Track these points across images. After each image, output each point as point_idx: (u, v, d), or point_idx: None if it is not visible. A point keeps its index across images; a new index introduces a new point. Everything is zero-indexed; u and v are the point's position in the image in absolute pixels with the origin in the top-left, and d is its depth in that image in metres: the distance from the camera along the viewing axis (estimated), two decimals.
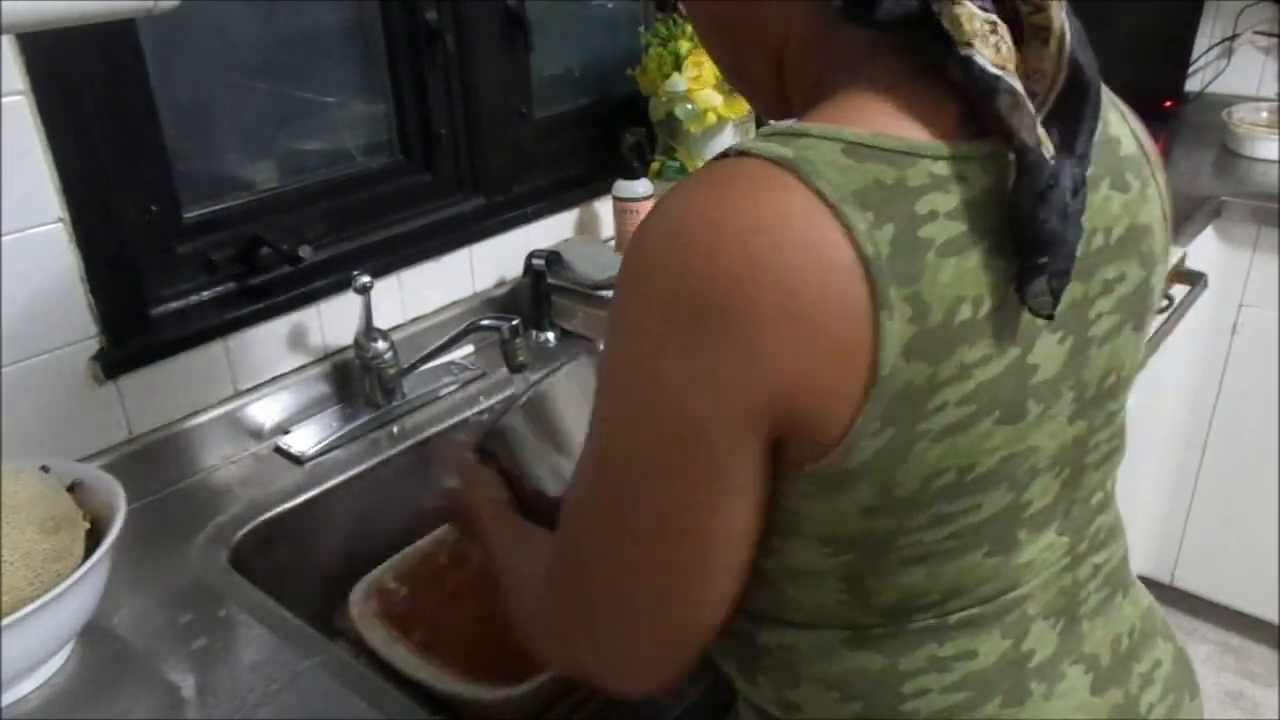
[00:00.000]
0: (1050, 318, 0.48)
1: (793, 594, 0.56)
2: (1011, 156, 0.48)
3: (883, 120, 0.48)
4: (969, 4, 0.47)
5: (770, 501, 0.52)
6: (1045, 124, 0.48)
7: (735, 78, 0.64)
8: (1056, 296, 0.48)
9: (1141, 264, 0.56)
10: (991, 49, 0.47)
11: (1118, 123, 0.57)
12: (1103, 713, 0.60)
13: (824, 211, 0.45)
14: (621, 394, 0.50)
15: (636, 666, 0.57)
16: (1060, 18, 0.48)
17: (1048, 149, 0.47)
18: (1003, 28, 0.48)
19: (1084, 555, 0.61)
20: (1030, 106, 0.47)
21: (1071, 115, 0.49)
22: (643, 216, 1.59)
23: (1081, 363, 0.54)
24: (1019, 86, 0.47)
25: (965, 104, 0.48)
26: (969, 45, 0.47)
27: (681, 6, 0.67)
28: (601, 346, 0.53)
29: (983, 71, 0.46)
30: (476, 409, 1.19)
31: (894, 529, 0.51)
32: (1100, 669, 0.61)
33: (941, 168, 0.47)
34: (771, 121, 0.58)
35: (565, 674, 0.65)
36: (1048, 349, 0.52)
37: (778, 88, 0.58)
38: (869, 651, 0.56)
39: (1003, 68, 0.47)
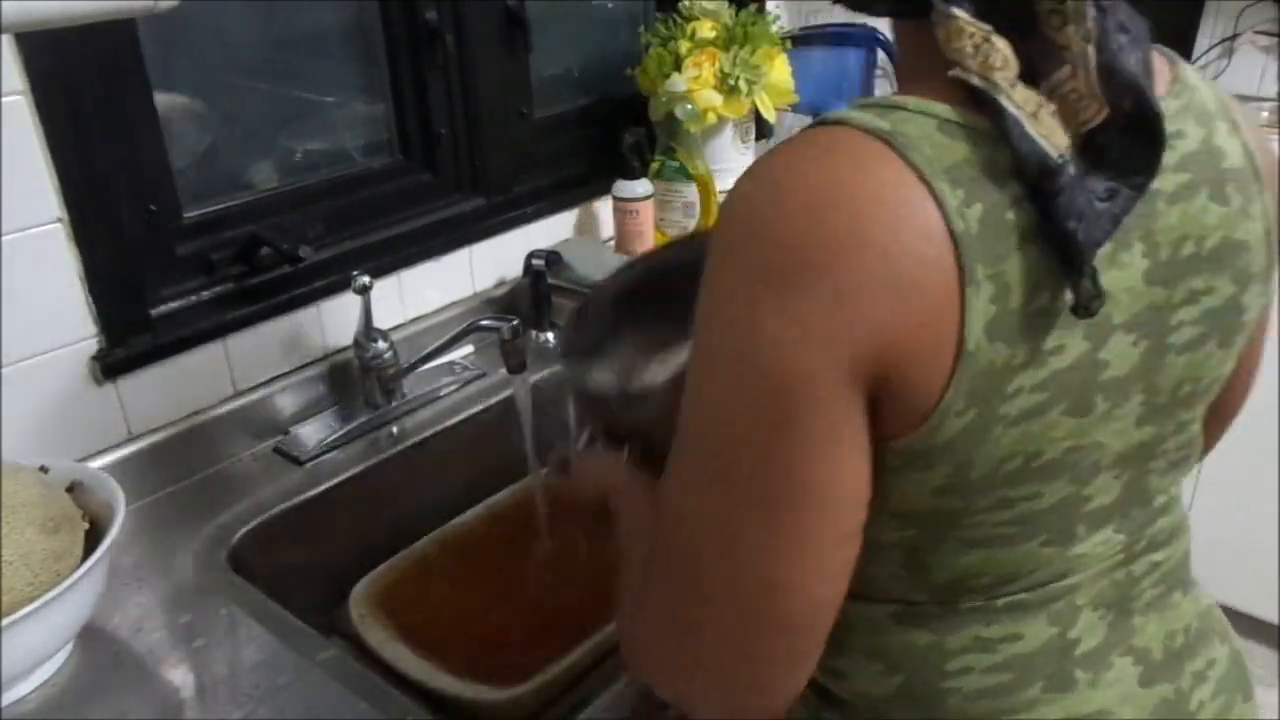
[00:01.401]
0: (1083, 315, 0.48)
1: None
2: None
3: (961, 103, 0.49)
4: (961, 15, 0.48)
5: None
6: (1097, 132, 0.48)
7: None
8: (1079, 295, 0.47)
9: (1234, 280, 0.56)
10: (978, 62, 0.48)
11: (1227, 134, 0.56)
12: (1149, 705, 0.61)
13: (918, 185, 0.46)
14: (721, 359, 0.49)
15: (752, 670, 0.52)
16: (1080, 45, 0.47)
17: (1053, 149, 0.47)
18: (998, 40, 0.48)
19: (1141, 553, 0.61)
20: (1018, 116, 0.47)
21: (1126, 134, 0.48)
22: (642, 217, 1.58)
23: (1155, 367, 0.54)
24: (1004, 101, 0.47)
25: None
26: (954, 64, 0.48)
27: None
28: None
29: (970, 85, 0.48)
30: (476, 409, 1.19)
31: (960, 509, 0.53)
32: (1151, 663, 0.62)
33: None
34: None
35: (671, 700, 0.57)
36: (1120, 348, 0.52)
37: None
38: (916, 628, 0.58)
39: (987, 77, 0.47)
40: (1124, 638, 0.61)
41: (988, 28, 0.48)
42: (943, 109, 0.48)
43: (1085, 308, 0.48)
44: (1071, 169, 0.47)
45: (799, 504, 0.48)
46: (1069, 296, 0.48)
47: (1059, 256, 0.48)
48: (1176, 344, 0.55)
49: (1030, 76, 0.48)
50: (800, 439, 0.47)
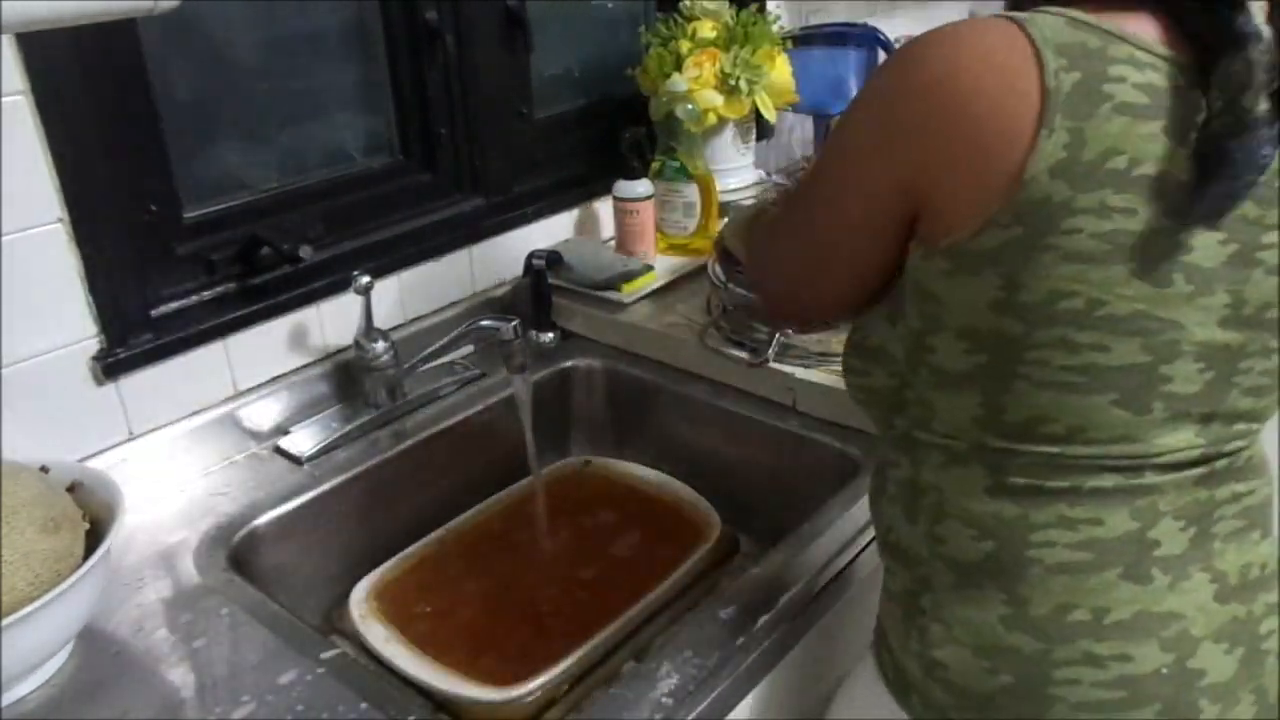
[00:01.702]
0: (1188, 219, 0.55)
1: (942, 405, 0.65)
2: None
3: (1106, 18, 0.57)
4: None
5: (916, 293, 0.63)
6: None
7: None
8: (1218, 212, 0.55)
9: None
10: (1263, 12, 0.54)
11: None
12: (1220, 620, 0.65)
13: (1028, 51, 0.55)
14: (834, 139, 0.67)
15: (778, 289, 0.79)
16: None
17: (1261, 107, 0.53)
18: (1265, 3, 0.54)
19: (1223, 475, 0.66)
20: (1261, 69, 0.52)
21: None
22: (642, 217, 1.58)
23: (1244, 277, 0.59)
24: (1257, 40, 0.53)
25: (1174, 23, 0.57)
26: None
27: None
28: None
29: (1241, 29, 0.53)
30: (476, 409, 1.19)
31: (1022, 336, 0.59)
32: (1227, 585, 0.66)
33: (1144, 56, 0.56)
34: None
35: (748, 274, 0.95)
36: (1205, 238, 0.57)
37: None
38: (1006, 501, 0.64)
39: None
40: (1204, 556, 0.65)
41: None
42: (1078, 13, 0.56)
43: (1205, 215, 0.55)
44: (1267, 105, 0.53)
45: (828, 243, 0.69)
46: (1175, 178, 0.55)
47: (1202, 176, 0.54)
48: (1266, 263, 0.59)
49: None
50: (846, 212, 0.66)
